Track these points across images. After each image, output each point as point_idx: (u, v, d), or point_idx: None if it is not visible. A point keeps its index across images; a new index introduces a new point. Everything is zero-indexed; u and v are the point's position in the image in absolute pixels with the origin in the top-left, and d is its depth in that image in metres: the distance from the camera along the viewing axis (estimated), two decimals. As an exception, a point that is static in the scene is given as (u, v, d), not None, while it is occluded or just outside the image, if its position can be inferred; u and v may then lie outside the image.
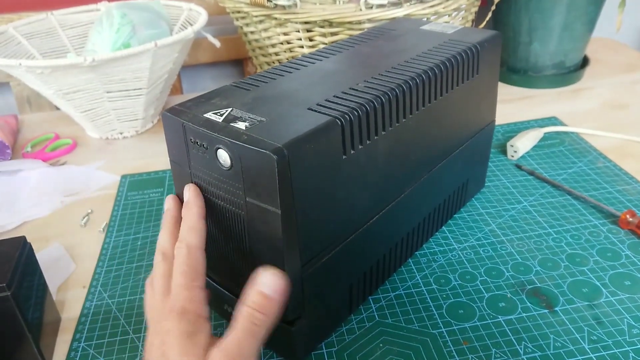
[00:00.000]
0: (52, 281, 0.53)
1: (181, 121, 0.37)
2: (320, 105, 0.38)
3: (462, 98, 0.49)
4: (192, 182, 0.39)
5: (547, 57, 0.83)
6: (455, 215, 0.58)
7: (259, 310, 0.34)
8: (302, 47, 0.70)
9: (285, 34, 0.70)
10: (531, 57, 0.84)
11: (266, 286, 0.34)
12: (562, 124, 0.74)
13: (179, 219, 0.40)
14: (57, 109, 0.98)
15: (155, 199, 0.65)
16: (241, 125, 0.35)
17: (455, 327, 0.44)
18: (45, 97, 0.74)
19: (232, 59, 1.03)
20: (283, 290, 0.35)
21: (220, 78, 1.08)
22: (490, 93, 0.55)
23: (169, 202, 0.41)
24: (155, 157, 0.74)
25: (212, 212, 0.39)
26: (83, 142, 0.80)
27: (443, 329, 0.44)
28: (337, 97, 0.39)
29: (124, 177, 0.70)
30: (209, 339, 0.34)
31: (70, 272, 0.54)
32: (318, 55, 0.48)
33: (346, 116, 0.37)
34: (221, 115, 0.37)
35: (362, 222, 0.43)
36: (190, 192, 0.39)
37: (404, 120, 0.42)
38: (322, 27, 0.67)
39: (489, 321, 0.45)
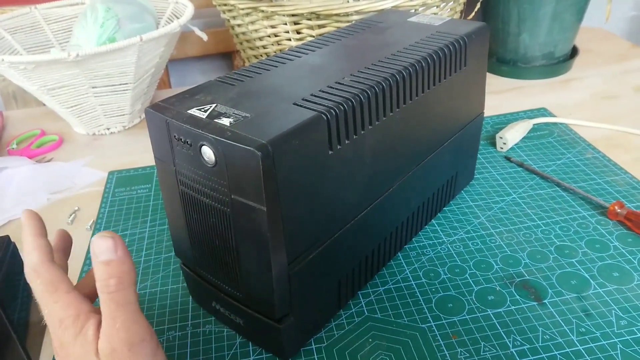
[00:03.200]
0: (39, 280, 0.52)
1: (164, 118, 0.36)
2: (306, 100, 0.38)
3: (449, 91, 0.49)
4: (177, 179, 0.39)
5: (536, 47, 0.83)
6: (444, 209, 0.58)
7: (108, 278, 0.31)
8: (290, 40, 0.70)
9: (272, 26, 0.69)
10: (520, 48, 0.83)
11: (99, 254, 0.32)
12: (551, 115, 0.74)
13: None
14: (44, 104, 0.97)
15: (143, 196, 0.64)
16: (225, 121, 0.35)
17: (444, 321, 0.44)
18: (30, 93, 0.73)
19: (221, 52, 1.02)
20: (115, 245, 0.32)
21: (209, 71, 1.07)
22: (479, 85, 0.55)
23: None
24: (143, 152, 0.74)
25: (199, 210, 0.39)
26: (70, 138, 0.79)
27: (432, 323, 0.44)
28: (323, 91, 0.39)
29: (111, 173, 0.69)
30: (97, 331, 0.32)
31: (57, 271, 0.54)
32: (304, 49, 0.48)
33: (332, 111, 0.36)
34: (205, 111, 0.36)
35: (350, 218, 0.42)
36: (23, 216, 0.37)
37: (390, 114, 0.42)
38: (309, 19, 0.66)
39: (478, 314, 0.45)
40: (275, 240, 0.35)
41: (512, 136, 0.66)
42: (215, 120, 0.35)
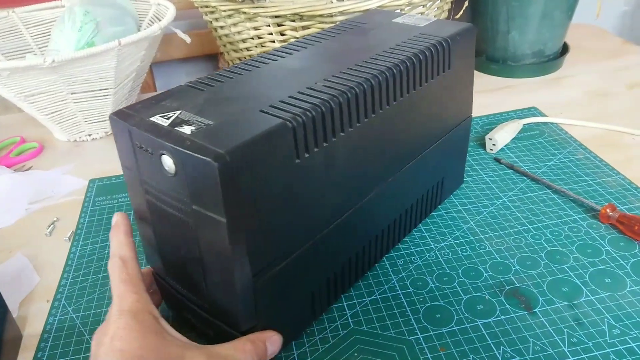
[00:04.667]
0: (15, 295, 0.51)
1: (127, 125, 0.35)
2: (273, 107, 0.36)
3: (433, 94, 0.47)
4: (143, 188, 0.38)
5: (526, 45, 0.81)
6: (432, 213, 0.56)
7: (260, 356, 0.37)
8: (274, 41, 0.68)
9: (255, 28, 0.68)
10: (510, 46, 0.82)
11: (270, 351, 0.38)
12: (541, 114, 0.73)
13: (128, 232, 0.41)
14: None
15: (124, 204, 0.62)
16: (187, 129, 0.34)
17: (432, 333, 0.43)
18: (8, 99, 0.71)
19: (206, 53, 1.00)
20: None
21: (194, 73, 1.05)
22: (465, 88, 0.53)
23: (116, 217, 0.42)
24: (125, 159, 0.72)
25: (164, 219, 0.38)
26: (50, 145, 0.77)
27: (419, 335, 0.43)
28: (293, 97, 0.37)
29: (91, 181, 0.67)
30: (176, 338, 0.35)
31: (33, 286, 0.52)
32: (282, 52, 0.46)
33: (298, 118, 0.35)
34: (168, 118, 0.35)
35: (322, 228, 0.41)
36: (117, 216, 0.42)
37: (366, 120, 0.40)
38: (292, 20, 0.65)
39: (467, 325, 0.43)
40: (237, 253, 0.34)
41: (501, 137, 0.65)
42: (177, 129, 0.34)
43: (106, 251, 0.55)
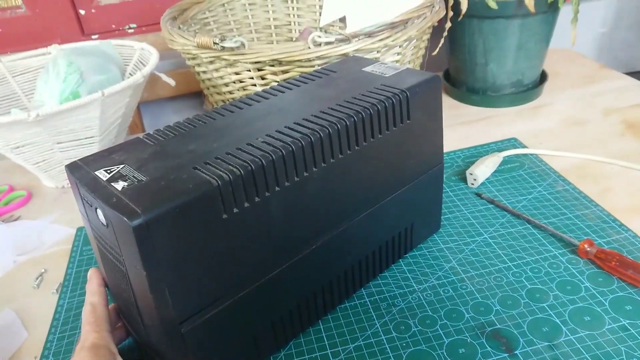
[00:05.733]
0: (2, 353, 0.51)
1: (73, 178, 0.39)
2: (207, 164, 0.38)
3: (390, 145, 0.48)
4: (92, 234, 0.41)
5: (504, 76, 0.83)
6: (415, 252, 0.57)
7: None
8: (255, 85, 0.69)
9: (236, 73, 0.69)
10: (489, 77, 0.84)
11: None
12: (521, 145, 0.74)
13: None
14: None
15: (112, 253, 0.63)
16: (119, 185, 0.36)
17: (414, 380, 0.43)
18: None
19: (193, 91, 1.01)
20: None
21: (182, 110, 1.06)
22: (432, 138, 0.53)
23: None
24: (113, 205, 0.72)
25: (109, 265, 0.41)
26: (39, 192, 0.78)
27: (402, 383, 0.43)
28: (229, 153, 0.39)
29: (79, 229, 0.68)
30: None
31: (21, 342, 0.52)
32: (241, 103, 0.48)
33: (225, 176, 0.37)
34: (109, 172, 0.38)
35: (257, 277, 0.42)
36: (90, 271, 0.47)
37: (306, 174, 0.42)
38: (272, 65, 0.66)
39: (449, 370, 0.44)
40: (159, 302, 0.36)
41: (481, 172, 0.66)
42: (112, 184, 0.37)
43: (93, 303, 0.56)
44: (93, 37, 0.96)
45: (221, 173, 0.37)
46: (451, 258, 0.56)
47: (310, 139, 0.41)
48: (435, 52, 0.75)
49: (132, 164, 0.39)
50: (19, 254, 0.65)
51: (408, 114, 0.48)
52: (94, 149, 0.73)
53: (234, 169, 0.37)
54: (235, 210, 0.38)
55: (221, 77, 0.71)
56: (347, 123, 0.43)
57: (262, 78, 0.68)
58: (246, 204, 0.39)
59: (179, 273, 0.37)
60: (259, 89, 0.69)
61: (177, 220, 0.35)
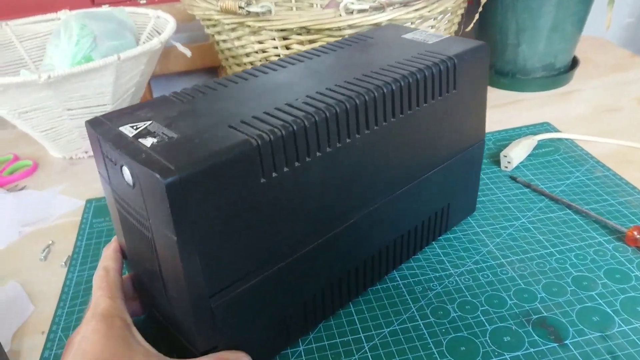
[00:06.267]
0: (7, 326, 0.47)
1: (96, 134, 0.35)
2: (244, 123, 0.35)
3: (433, 116, 0.44)
4: (113, 197, 0.37)
5: (535, 59, 0.79)
6: (449, 235, 0.53)
7: None
8: (278, 55, 0.65)
9: (259, 42, 0.65)
10: (519, 59, 0.80)
11: None
12: (555, 129, 0.71)
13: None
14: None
15: (123, 227, 0.59)
16: (148, 141, 0.33)
17: (457, 368, 0.40)
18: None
19: (206, 66, 0.97)
20: None
21: (194, 87, 1.02)
22: (476, 110, 0.49)
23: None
24: (124, 178, 0.69)
25: (131, 230, 0.37)
26: (45, 162, 0.74)
27: (444, 371, 0.40)
28: (267, 113, 0.36)
29: (88, 201, 0.64)
30: (143, 347, 0.35)
31: (27, 316, 0.49)
32: (276, 65, 0.44)
33: (265, 136, 0.33)
34: (136, 129, 0.34)
35: (293, 252, 0.38)
36: (113, 238, 0.43)
37: (348, 140, 0.38)
38: (299, 34, 0.62)
39: (494, 359, 0.40)
40: (191, 272, 0.33)
41: (516, 154, 0.63)
42: (139, 140, 0.33)
43: (105, 278, 0.52)
44: (103, 7, 0.92)
45: (261, 133, 0.33)
46: (488, 242, 0.52)
47: (355, 102, 0.37)
48: (469, 28, 0.71)
49: (161, 121, 0.35)
50: (24, 224, 0.61)
51: (455, 83, 0.44)
52: (106, 118, 0.69)
53: (275, 129, 0.34)
54: (274, 174, 0.34)
55: (243, 47, 0.67)
56: (394, 87, 0.40)
57: (287, 48, 0.64)
58: (285, 169, 0.35)
59: (212, 240, 0.33)
60: (283, 59, 0.65)
61: (213, 180, 0.31)
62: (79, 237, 0.58)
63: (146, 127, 0.35)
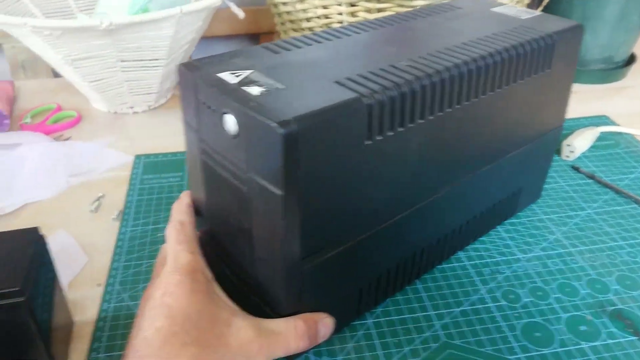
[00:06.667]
0: (62, 276, 0.46)
1: (193, 78, 0.33)
2: (350, 80, 0.33)
3: (524, 95, 0.43)
4: (200, 147, 0.36)
5: (596, 50, 0.77)
6: (513, 220, 0.52)
7: (311, 338, 0.35)
8: (341, 22, 0.63)
9: (324, 7, 0.63)
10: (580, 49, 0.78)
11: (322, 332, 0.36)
12: (613, 123, 0.69)
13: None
14: (55, 76, 0.90)
15: (175, 185, 0.58)
16: (255, 90, 0.31)
17: (534, 353, 0.39)
18: (46, 62, 0.66)
19: (250, 32, 0.95)
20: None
21: (233, 53, 1.00)
22: (562, 93, 0.48)
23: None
24: (172, 136, 0.67)
25: (218, 183, 0.35)
26: (88, 115, 0.72)
27: (520, 355, 0.39)
28: (373, 73, 0.34)
29: (137, 157, 0.63)
30: (226, 303, 0.34)
31: (81, 267, 0.48)
32: (359, 27, 0.42)
33: (377, 95, 0.31)
34: (237, 76, 0.33)
35: (381, 220, 0.37)
36: (183, 194, 0.41)
37: (449, 109, 0.37)
38: (368, 1, 0.60)
39: (571, 348, 0.39)
40: (290, 231, 0.31)
41: (580, 144, 0.61)
42: (244, 88, 0.31)
43: (159, 234, 0.51)
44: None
45: (373, 91, 0.32)
46: (554, 230, 0.51)
47: (461, 69, 0.36)
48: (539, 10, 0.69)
49: (262, 70, 0.34)
50: (71, 175, 0.59)
51: (550, 62, 0.43)
52: (157, 74, 0.67)
53: (386, 89, 0.32)
54: (378, 137, 0.33)
55: (304, 11, 0.65)
56: (496, 60, 0.38)
57: (353, 15, 0.62)
58: (389, 132, 0.33)
59: (315, 200, 0.31)
60: (346, 27, 0.63)
61: (325, 136, 0.30)
62: (130, 192, 0.57)
63: (248, 75, 0.33)
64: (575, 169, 0.60)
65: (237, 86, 0.32)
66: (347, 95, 0.31)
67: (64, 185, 0.58)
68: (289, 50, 0.37)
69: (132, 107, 0.71)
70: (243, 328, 0.33)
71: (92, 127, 0.70)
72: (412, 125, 0.34)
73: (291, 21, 0.69)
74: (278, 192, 0.30)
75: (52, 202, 0.56)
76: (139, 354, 0.29)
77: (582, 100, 0.76)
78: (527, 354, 0.39)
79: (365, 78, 0.33)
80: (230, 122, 0.31)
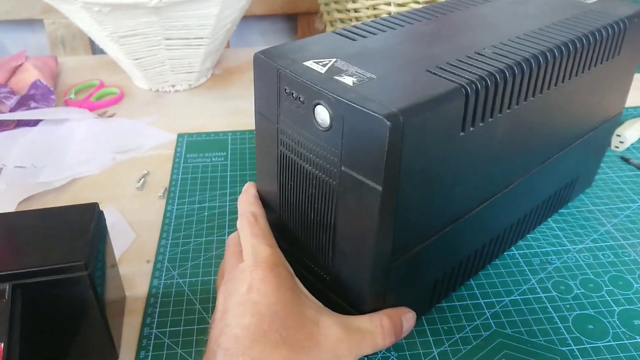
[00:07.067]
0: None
1: (277, 67, 0.31)
2: (441, 68, 0.32)
3: (594, 82, 0.42)
4: (278, 139, 0.34)
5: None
6: (562, 210, 0.51)
7: (397, 334, 0.34)
8: (390, 4, 0.62)
9: (371, -12, 0.62)
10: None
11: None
12: (664, 114, 0.67)
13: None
14: (93, 53, 0.91)
15: (219, 164, 0.58)
16: (348, 80, 0.29)
17: (587, 346, 0.38)
18: (85, 39, 0.66)
19: (287, 12, 0.94)
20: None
21: (270, 34, 0.99)
22: (626, 79, 0.47)
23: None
24: (213, 116, 0.67)
25: (297, 176, 0.34)
26: (129, 93, 0.73)
27: (573, 347, 0.38)
28: (461, 60, 0.33)
29: (180, 136, 0.63)
30: (311, 300, 0.33)
31: (130, 243, 0.48)
32: (423, 14, 0.41)
33: (473, 85, 0.30)
34: (324, 65, 0.31)
35: (463, 213, 0.36)
36: (247, 184, 0.40)
37: (532, 98, 0.36)
38: (418, -17, 0.59)
39: (626, 341, 0.39)
40: (384, 227, 0.30)
41: (631, 135, 0.60)
42: (336, 78, 0.30)
43: (206, 213, 0.51)
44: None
45: (469, 81, 0.30)
46: (605, 221, 0.50)
47: (546, 56, 0.35)
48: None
49: (345, 59, 0.32)
50: (117, 151, 0.60)
51: (620, 49, 0.42)
52: (200, 52, 0.67)
53: (482, 79, 0.31)
54: (471, 128, 0.32)
55: (350, -9, 0.64)
56: (575, 47, 0.37)
57: (400, -3, 0.61)
58: (481, 123, 0.32)
59: (412, 194, 0.30)
60: (393, 9, 0.62)
61: (426, 129, 0.29)
62: (174, 170, 0.57)
63: (333, 64, 0.31)
64: (625, 160, 0.58)
65: (329, 76, 0.30)
66: (445, 85, 0.30)
67: (110, 162, 0.59)
68: (364, 37, 0.36)
69: (173, 86, 0.72)
70: (331, 326, 0.31)
71: (134, 104, 0.70)
72: (500, 115, 0.33)
73: (335, 2, 0.68)
74: (377, 187, 0.28)
75: (99, 177, 0.57)
76: (230, 352, 0.29)
77: (633, 88, 0.74)
78: (580, 346, 0.38)
79: (456, 66, 0.32)
80: (323, 114, 0.30)
